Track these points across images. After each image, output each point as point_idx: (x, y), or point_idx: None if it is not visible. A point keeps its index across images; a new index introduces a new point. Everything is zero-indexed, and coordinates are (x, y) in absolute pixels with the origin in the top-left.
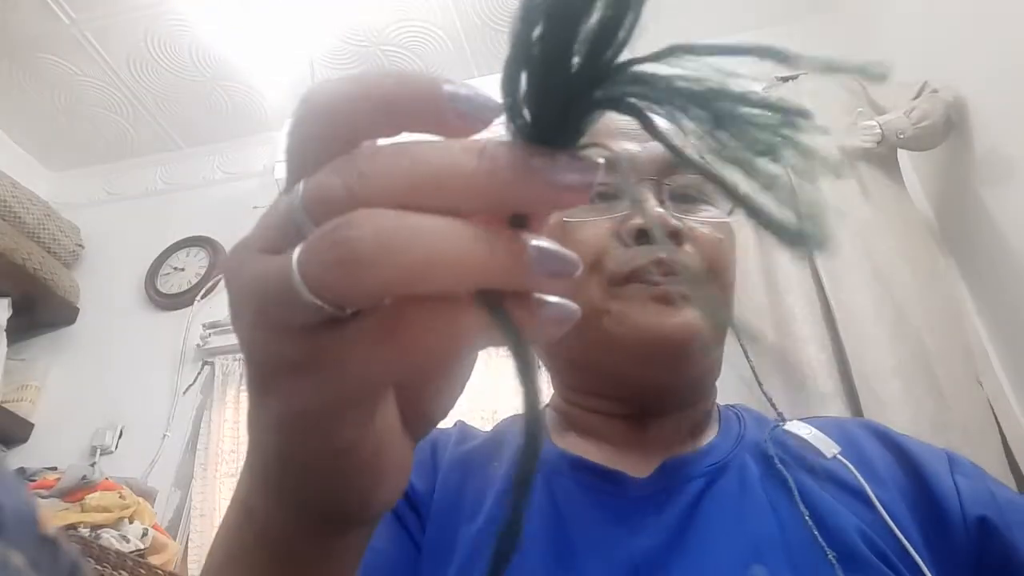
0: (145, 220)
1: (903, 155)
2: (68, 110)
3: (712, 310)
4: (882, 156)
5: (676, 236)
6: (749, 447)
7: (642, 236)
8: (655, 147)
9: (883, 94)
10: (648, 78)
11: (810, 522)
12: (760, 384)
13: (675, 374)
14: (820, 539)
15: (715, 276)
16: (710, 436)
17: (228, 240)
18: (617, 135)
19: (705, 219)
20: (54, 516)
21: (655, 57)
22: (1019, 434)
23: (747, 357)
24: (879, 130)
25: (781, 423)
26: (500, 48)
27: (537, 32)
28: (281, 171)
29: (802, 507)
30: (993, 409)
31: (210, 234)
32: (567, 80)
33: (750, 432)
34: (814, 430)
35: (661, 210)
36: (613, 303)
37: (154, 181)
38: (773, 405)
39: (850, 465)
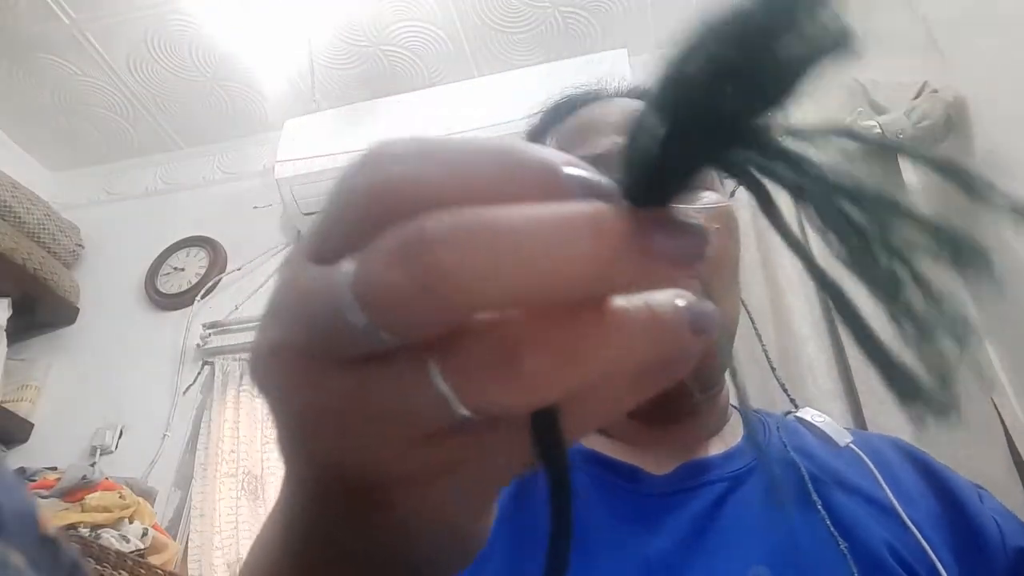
0: (145, 220)
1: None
2: (68, 110)
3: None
4: (882, 156)
5: None
6: (774, 454)
7: None
8: None
9: (883, 94)
10: (798, 159)
11: (835, 532)
12: (773, 368)
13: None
14: (845, 551)
15: (715, 268)
16: (734, 441)
17: (228, 240)
18: (606, 129)
19: (700, 207)
20: (54, 516)
21: (806, 134)
22: (1018, 435)
23: (760, 341)
24: (879, 130)
25: (794, 410)
26: (500, 48)
27: (693, 77)
28: (281, 171)
29: (825, 517)
30: (998, 410)
31: (210, 234)
32: (708, 139)
33: (774, 438)
34: (827, 418)
35: None
36: None
37: (154, 181)
38: (786, 390)
39: (863, 455)
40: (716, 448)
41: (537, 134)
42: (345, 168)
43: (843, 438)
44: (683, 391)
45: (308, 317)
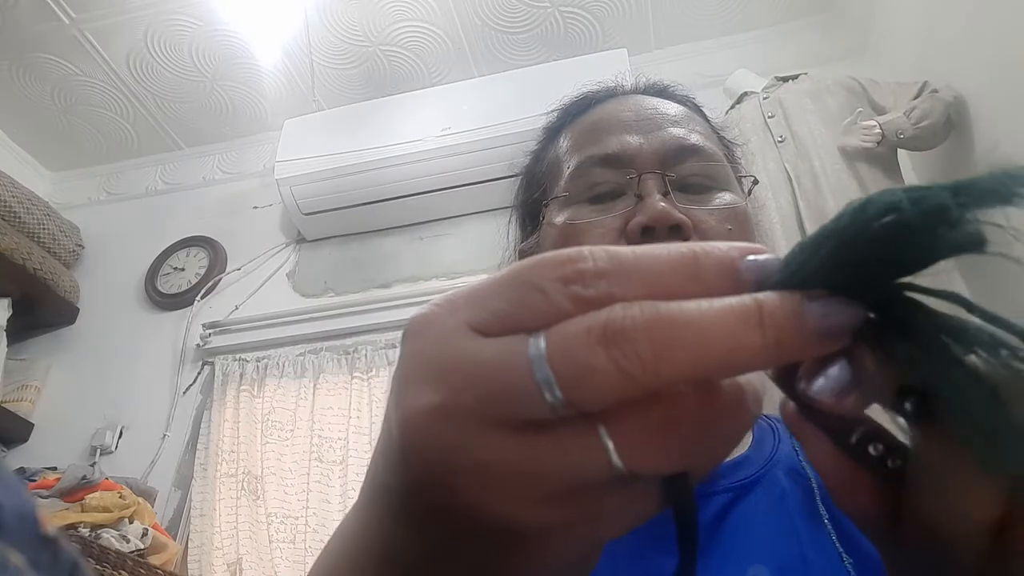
0: (145, 220)
1: (903, 155)
2: (68, 110)
3: None
4: (882, 156)
5: (680, 230)
6: (782, 462)
7: (648, 233)
8: (658, 137)
9: (883, 94)
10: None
11: (839, 547)
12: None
13: None
14: (849, 567)
15: None
16: (742, 448)
17: (228, 240)
18: (617, 128)
19: (714, 207)
20: (54, 516)
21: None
22: None
23: None
24: (879, 130)
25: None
26: (500, 48)
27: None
28: (281, 171)
29: (831, 531)
30: None
31: (210, 234)
32: (857, 273)
33: (784, 445)
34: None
35: (663, 204)
36: None
37: (154, 181)
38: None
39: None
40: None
41: (553, 132)
42: (523, 263)
43: None
44: None
45: (490, 386)
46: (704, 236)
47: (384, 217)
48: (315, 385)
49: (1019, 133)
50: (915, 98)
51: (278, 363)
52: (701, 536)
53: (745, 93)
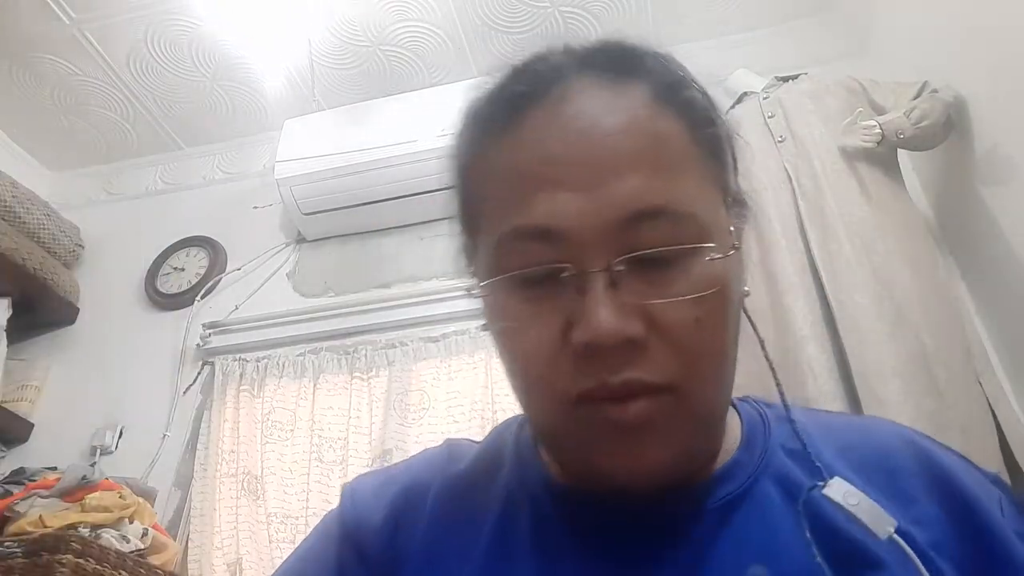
0: (145, 220)
1: (903, 155)
2: (68, 110)
3: (680, 422)
4: (882, 156)
5: (632, 344)
6: (774, 465)
7: (592, 348)
8: (604, 197)
9: (883, 94)
10: None
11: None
12: (778, 383)
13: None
14: None
15: (691, 371)
16: (729, 448)
17: (228, 240)
18: (545, 181)
19: (677, 296)
20: (54, 516)
21: None
22: (1018, 433)
23: (765, 354)
24: (879, 130)
25: (819, 484)
26: (500, 48)
27: None
28: (281, 171)
29: (821, 562)
30: (992, 409)
31: (210, 234)
32: None
33: (775, 441)
34: (861, 496)
35: (608, 318)
36: (570, 425)
37: (154, 181)
38: (794, 427)
39: (908, 549)
40: (708, 465)
41: (465, 156)
42: None
43: (884, 526)
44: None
45: None
46: (666, 335)
47: (384, 217)
48: (315, 385)
49: (1019, 133)
50: (915, 98)
51: (278, 363)
52: (690, 557)
53: (745, 93)
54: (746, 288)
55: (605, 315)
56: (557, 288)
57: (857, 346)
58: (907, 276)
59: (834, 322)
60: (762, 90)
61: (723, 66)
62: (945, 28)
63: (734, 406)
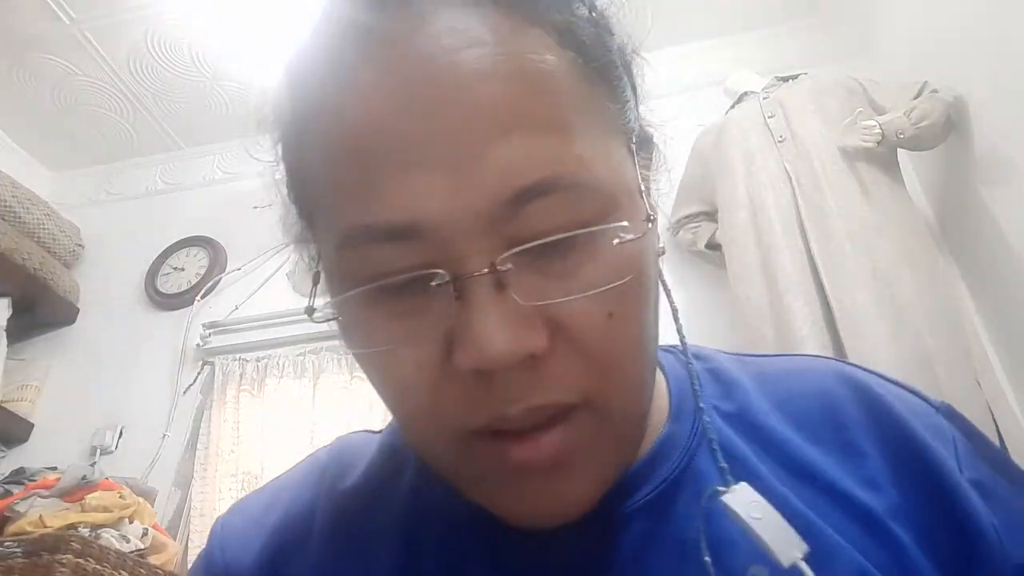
0: (145, 220)
1: (903, 155)
2: (68, 110)
3: (601, 442)
4: (882, 156)
5: (533, 361)
6: (708, 433)
7: (482, 374)
8: (477, 176)
9: (883, 94)
10: None
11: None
12: (681, 333)
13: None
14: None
15: (608, 378)
16: (657, 421)
17: (228, 240)
18: (392, 157)
19: (587, 291)
20: (54, 516)
21: None
22: (1017, 433)
23: (673, 310)
24: (879, 130)
25: (721, 488)
26: None
27: None
28: (281, 171)
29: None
30: (991, 410)
31: (210, 234)
32: None
33: (708, 402)
34: (768, 510)
35: (498, 335)
36: (465, 464)
37: (154, 181)
38: (705, 423)
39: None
40: (639, 450)
41: (287, 152)
42: None
43: (790, 550)
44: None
45: None
46: (573, 341)
47: None
48: (315, 385)
49: (1019, 133)
50: (915, 98)
51: (278, 363)
52: (631, 560)
53: (745, 93)
54: (661, 246)
55: (493, 330)
56: (429, 295)
57: (857, 346)
58: (907, 276)
59: (834, 322)
60: (762, 90)
61: (723, 66)
62: (945, 28)
63: (659, 361)
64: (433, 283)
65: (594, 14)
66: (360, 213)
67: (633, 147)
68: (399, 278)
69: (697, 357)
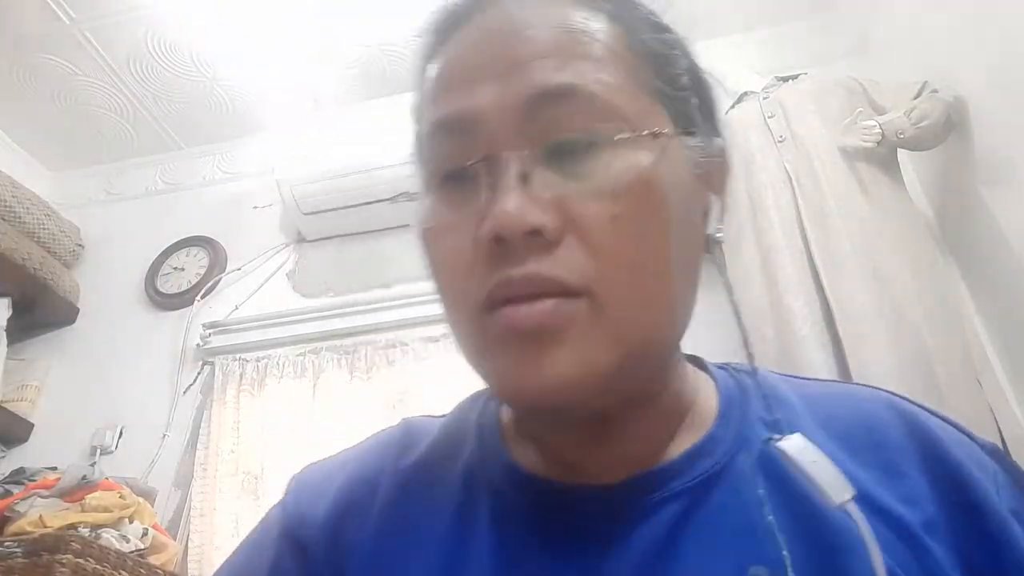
0: (145, 220)
1: (903, 155)
2: (68, 110)
3: (593, 333)
4: (882, 156)
5: (540, 236)
6: (752, 440)
7: (501, 243)
8: (516, 82)
9: (883, 94)
10: None
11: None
12: (748, 347)
13: (580, 413)
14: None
15: (608, 275)
16: (701, 426)
17: (228, 240)
18: (465, 73)
19: (593, 186)
20: (54, 516)
21: None
22: (1017, 433)
23: (739, 321)
24: (879, 130)
25: (775, 436)
26: None
27: None
28: (281, 171)
29: (786, 555)
30: (992, 409)
31: (210, 234)
32: None
33: (754, 414)
34: (820, 455)
35: (513, 204)
36: (479, 337)
37: (154, 181)
38: (765, 398)
39: (861, 522)
40: (679, 443)
41: (421, 67)
42: None
43: (840, 492)
44: (601, 411)
45: None
46: (581, 231)
47: (384, 217)
48: (315, 385)
49: (1019, 133)
50: (915, 98)
51: (278, 363)
52: (657, 546)
53: (745, 93)
54: (718, 231)
55: (510, 205)
56: (475, 190)
57: (857, 346)
58: (907, 276)
59: (834, 322)
60: (762, 90)
61: (723, 66)
62: (945, 28)
63: (711, 374)
64: (471, 163)
65: (653, 17)
66: (439, 112)
67: (679, 125)
68: (456, 164)
69: (749, 373)
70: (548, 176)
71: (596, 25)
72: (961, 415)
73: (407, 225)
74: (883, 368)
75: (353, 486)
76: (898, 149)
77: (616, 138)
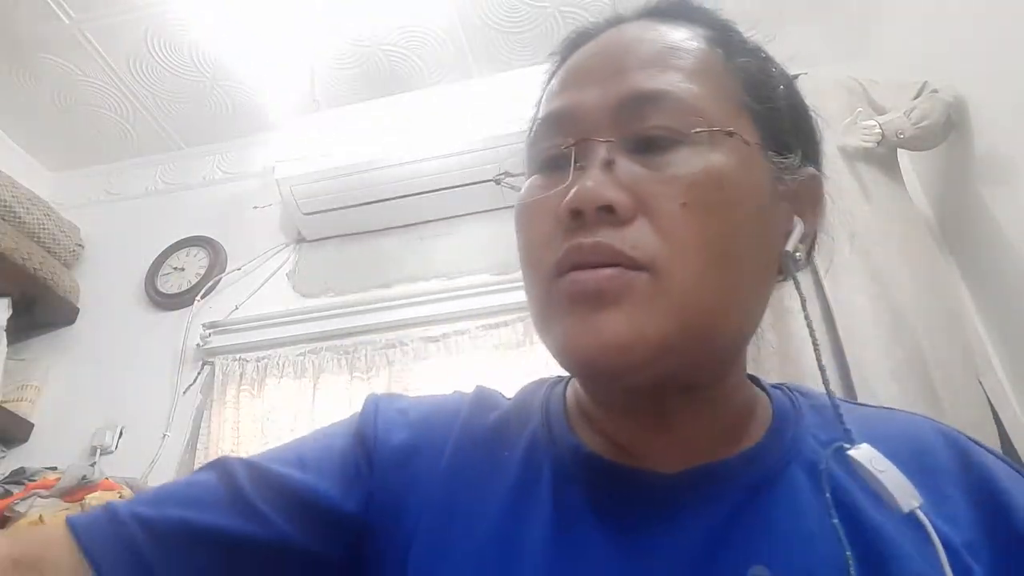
0: (145, 220)
1: (903, 155)
2: (68, 110)
3: (650, 304)
4: (882, 156)
5: (611, 210)
6: (804, 452)
7: (577, 217)
8: (616, 86)
9: (883, 94)
10: None
11: (847, 547)
12: (822, 370)
13: (635, 382)
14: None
15: (672, 256)
16: (756, 434)
17: (228, 240)
18: (578, 78)
19: (666, 175)
20: (54, 516)
21: None
22: (1018, 435)
23: (812, 337)
24: (879, 130)
25: (846, 445)
26: (500, 48)
27: None
28: (281, 171)
29: (840, 528)
30: (994, 410)
31: (210, 234)
32: None
33: (806, 429)
34: (889, 465)
35: (592, 182)
36: (549, 303)
37: (154, 181)
38: (837, 411)
39: (932, 530)
40: (734, 446)
41: (547, 81)
42: None
43: (909, 500)
44: (642, 394)
45: None
46: (652, 214)
47: (384, 217)
48: (315, 385)
49: (1019, 133)
50: (915, 98)
51: (278, 363)
52: (709, 539)
53: None
54: (798, 251)
55: (591, 181)
56: (566, 172)
57: (856, 349)
58: (906, 277)
59: (833, 323)
60: None
61: None
62: (945, 28)
63: (766, 392)
64: (564, 148)
65: (753, 45)
66: (550, 107)
67: (767, 146)
68: (553, 152)
69: (803, 394)
70: (630, 164)
71: (695, 44)
72: (958, 417)
73: (407, 225)
74: (881, 370)
75: (430, 425)
76: (898, 149)
77: (694, 131)
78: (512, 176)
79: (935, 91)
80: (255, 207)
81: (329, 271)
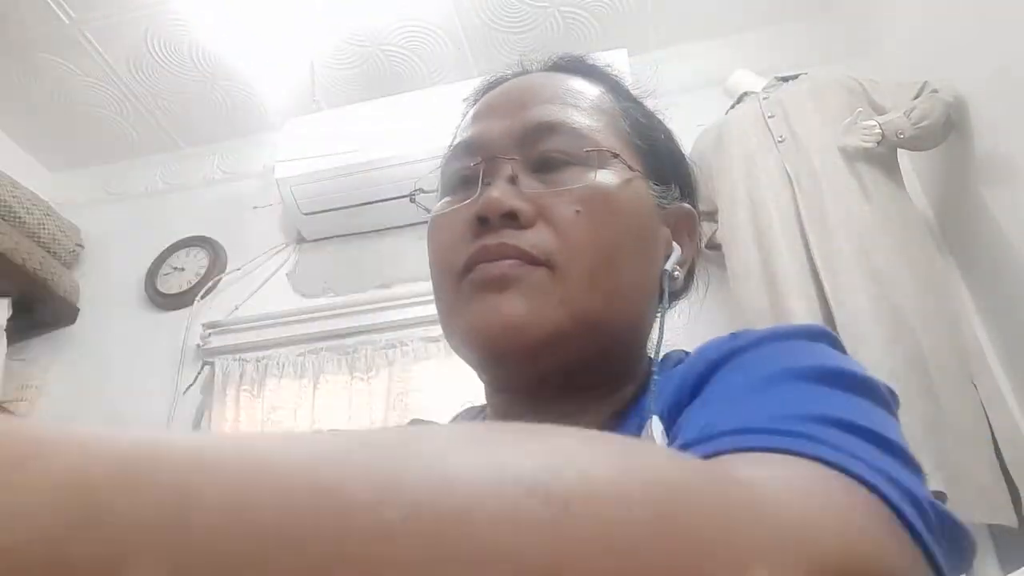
0: (145, 220)
1: (903, 155)
2: (68, 110)
3: (546, 292)
4: (882, 156)
5: (514, 217)
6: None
7: (484, 224)
8: (521, 117)
9: (883, 94)
10: None
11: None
12: (661, 331)
13: (534, 366)
14: None
15: (568, 255)
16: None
17: (228, 240)
18: (487, 113)
19: (562, 188)
20: None
21: None
22: (1013, 436)
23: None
24: (879, 130)
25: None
26: (500, 48)
27: None
28: (281, 171)
29: None
30: (986, 411)
31: (210, 234)
32: None
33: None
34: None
35: (497, 192)
36: (457, 299)
37: (154, 181)
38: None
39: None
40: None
41: (460, 119)
42: None
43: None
44: (549, 380)
45: None
46: (550, 220)
47: (384, 217)
48: (315, 385)
49: (1019, 133)
50: (915, 98)
51: (278, 363)
52: None
53: (745, 93)
54: (675, 270)
55: (496, 192)
56: (474, 187)
57: (855, 347)
58: (905, 277)
59: (833, 322)
60: (762, 90)
61: (723, 66)
62: (945, 28)
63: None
64: (473, 164)
65: (642, 106)
66: (462, 136)
67: (642, 162)
68: (463, 174)
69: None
70: (531, 180)
71: (591, 89)
72: (955, 418)
73: (407, 225)
74: (880, 370)
75: None
76: (898, 149)
77: (585, 150)
78: (426, 193)
79: (935, 91)
80: (255, 207)
81: (329, 271)
